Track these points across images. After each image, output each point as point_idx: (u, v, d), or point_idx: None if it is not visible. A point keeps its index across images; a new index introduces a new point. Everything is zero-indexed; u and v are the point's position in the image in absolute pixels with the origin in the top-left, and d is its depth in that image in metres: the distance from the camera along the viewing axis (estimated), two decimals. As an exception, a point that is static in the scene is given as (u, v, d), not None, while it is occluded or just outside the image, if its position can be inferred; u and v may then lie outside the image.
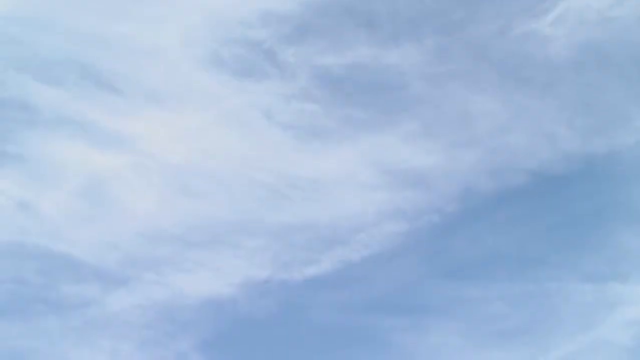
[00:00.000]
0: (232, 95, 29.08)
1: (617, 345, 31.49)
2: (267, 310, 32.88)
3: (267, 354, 31.51)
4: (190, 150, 28.71)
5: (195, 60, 28.87)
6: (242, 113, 28.95)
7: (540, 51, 29.27)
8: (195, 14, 28.82)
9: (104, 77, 28.68)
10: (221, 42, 28.94)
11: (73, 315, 32.59)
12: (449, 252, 31.53)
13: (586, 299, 30.92)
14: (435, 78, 29.32)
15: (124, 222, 29.05)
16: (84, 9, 28.59)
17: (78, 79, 28.49)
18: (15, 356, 30.33)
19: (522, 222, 29.95)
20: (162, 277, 31.02)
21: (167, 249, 31.66)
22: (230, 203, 29.69)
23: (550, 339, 30.82)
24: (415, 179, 29.17)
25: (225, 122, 28.97)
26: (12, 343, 31.76)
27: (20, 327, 32.13)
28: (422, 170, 29.47)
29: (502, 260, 31.26)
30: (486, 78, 29.53)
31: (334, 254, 31.02)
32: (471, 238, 30.25)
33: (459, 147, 29.66)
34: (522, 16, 29.28)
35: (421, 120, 29.77)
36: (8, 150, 27.27)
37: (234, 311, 32.59)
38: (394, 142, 29.53)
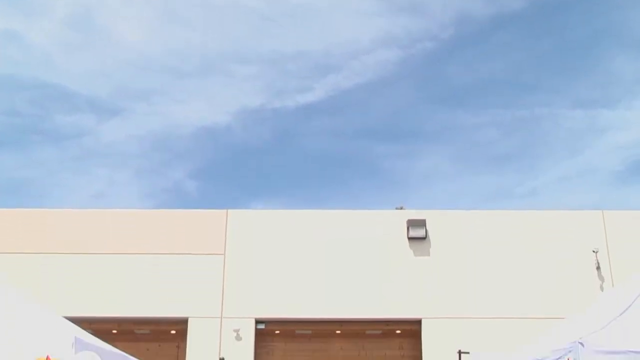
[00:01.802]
0: None
1: (605, 170, 32.20)
2: (261, 137, 33.29)
3: (260, 181, 32.30)
4: (178, -23, 27.81)
5: None
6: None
7: None
8: None
9: None
10: None
11: (69, 145, 33.03)
12: (442, 79, 31.48)
13: (576, 124, 31.27)
14: None
15: (114, 52, 28.68)
16: None
17: None
18: (14, 187, 30.98)
19: (516, 49, 29.69)
20: (156, 107, 31.13)
21: (159, 79, 31.54)
22: (221, 31, 29.21)
23: (540, 164, 31.53)
24: (411, 5, 28.55)
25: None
26: (11, 174, 32.33)
27: (18, 159, 32.61)
28: (417, -5, 28.76)
29: (495, 87, 31.32)
30: None
31: (327, 82, 30.94)
32: (465, 65, 30.07)
33: (454, -28, 28.83)
34: None
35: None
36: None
37: (228, 139, 33.04)
38: (389, -34, 28.61)
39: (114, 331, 15.13)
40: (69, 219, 15.86)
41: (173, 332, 15.36)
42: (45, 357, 5.48)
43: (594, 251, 15.05)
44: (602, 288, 14.87)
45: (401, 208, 16.36)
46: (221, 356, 11.89)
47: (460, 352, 9.27)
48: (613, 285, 14.53)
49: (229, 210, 15.94)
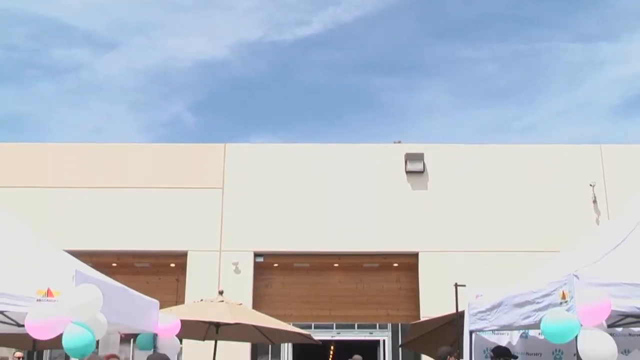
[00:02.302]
0: None
1: (604, 104, 32.00)
2: (259, 71, 32.95)
3: (258, 115, 32.11)
4: None
5: None
6: None
7: None
8: None
9: None
10: None
11: (65, 79, 32.69)
12: (442, 12, 31.05)
13: (575, 58, 30.98)
14: None
15: (110, -16, 28.20)
16: None
17: None
18: (13, 121, 30.80)
19: (517, -19, 29.23)
20: (153, 41, 30.73)
21: (157, 12, 31.07)
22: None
23: (539, 98, 31.33)
24: None
25: None
26: (9, 109, 32.09)
27: (15, 93, 32.32)
28: None
29: (495, 21, 30.89)
30: None
31: (326, 15, 30.47)
32: (465, -3, 29.65)
33: None
34: None
35: None
36: None
37: (226, 73, 32.69)
38: None
39: (114, 264, 15.28)
40: (68, 153, 15.85)
41: (172, 265, 15.51)
42: (47, 290, 5.54)
43: (591, 185, 15.11)
44: (598, 222, 14.98)
45: (399, 142, 16.34)
46: (220, 289, 12.01)
47: (456, 285, 9.35)
48: (609, 218, 14.63)
49: (227, 144, 15.92)
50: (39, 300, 5.53)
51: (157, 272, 15.62)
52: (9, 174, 15.34)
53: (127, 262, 15.50)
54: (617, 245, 6.75)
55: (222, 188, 15.45)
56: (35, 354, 12.69)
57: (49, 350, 14.88)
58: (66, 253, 6.99)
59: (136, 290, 7.40)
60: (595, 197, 15.09)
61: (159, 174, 15.50)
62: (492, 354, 8.35)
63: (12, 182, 15.17)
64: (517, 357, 8.53)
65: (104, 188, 15.32)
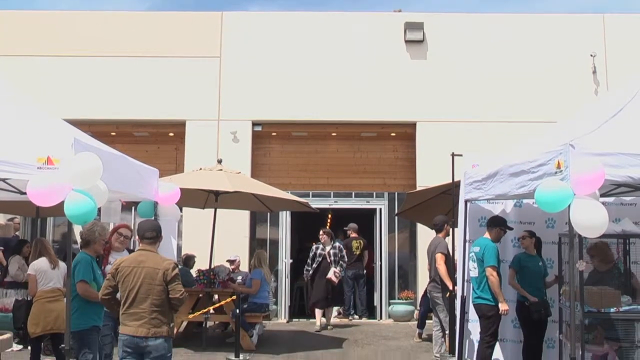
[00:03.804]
0: None
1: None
2: None
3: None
4: None
5: None
6: None
7: None
8: None
9: None
10: None
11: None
12: None
13: None
14: None
15: None
16: None
17: None
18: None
19: None
20: None
21: None
22: None
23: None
24: None
25: None
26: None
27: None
28: None
29: None
30: None
31: None
32: None
33: None
34: None
35: None
36: None
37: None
38: None
39: (113, 133, 15.33)
40: (65, 20, 15.55)
41: (171, 134, 15.56)
42: (46, 158, 5.57)
43: (591, 55, 14.93)
44: (596, 92, 14.91)
45: (399, 10, 16.01)
46: (219, 158, 12.10)
47: (453, 155, 9.40)
48: (608, 90, 14.56)
49: (225, 13, 15.59)
50: (39, 167, 5.58)
51: (156, 141, 15.71)
52: (5, 43, 15.10)
53: (126, 131, 15.54)
54: (614, 115, 6.75)
55: (220, 57, 15.27)
56: (39, 221, 13.03)
57: (52, 218, 15.20)
58: (65, 122, 6.99)
59: (135, 159, 7.46)
60: (595, 67, 14.96)
61: (156, 43, 15.27)
62: (488, 223, 8.50)
63: (8, 51, 14.96)
64: (512, 229, 8.72)
65: (102, 57, 15.13)
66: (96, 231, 6.95)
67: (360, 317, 14.92)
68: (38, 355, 7.99)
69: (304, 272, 13.69)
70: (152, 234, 6.04)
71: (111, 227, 8.23)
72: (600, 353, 7.11)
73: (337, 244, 13.64)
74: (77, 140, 5.81)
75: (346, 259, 13.68)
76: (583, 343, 6.52)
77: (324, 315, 13.57)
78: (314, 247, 13.54)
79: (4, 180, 7.58)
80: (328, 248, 13.34)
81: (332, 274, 13.18)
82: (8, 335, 8.31)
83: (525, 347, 8.58)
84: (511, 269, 8.44)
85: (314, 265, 13.36)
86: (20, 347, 10.23)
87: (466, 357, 8.84)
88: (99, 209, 6.53)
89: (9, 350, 9.06)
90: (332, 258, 13.28)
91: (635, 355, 6.99)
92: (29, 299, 9.37)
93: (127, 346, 5.79)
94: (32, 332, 7.69)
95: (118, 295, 5.95)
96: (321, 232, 13.55)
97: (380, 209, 15.29)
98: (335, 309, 14.27)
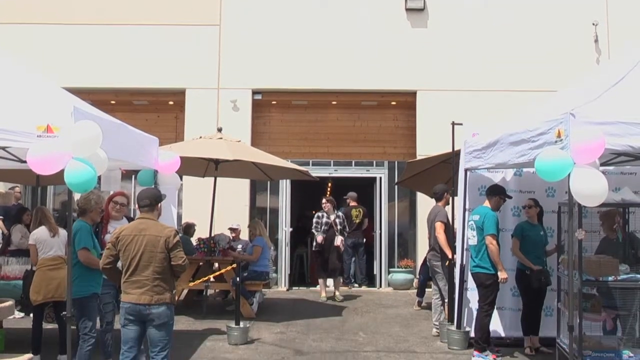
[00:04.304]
0: None
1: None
2: None
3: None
4: None
5: None
6: None
7: None
8: None
9: None
10: None
11: None
12: None
13: None
14: None
15: None
16: None
17: None
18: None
19: None
20: None
21: None
22: None
23: None
24: None
25: None
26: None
27: None
28: None
29: None
30: None
31: None
32: None
33: None
34: None
35: None
36: None
37: None
38: None
39: (112, 102, 15.28)
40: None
41: (171, 103, 15.51)
42: (46, 126, 5.56)
43: (593, 24, 14.83)
44: (598, 61, 14.84)
45: (400, -22, 15.86)
46: (219, 126, 12.07)
47: (453, 124, 9.39)
48: (609, 59, 14.48)
49: (223, -21, 15.47)
50: (39, 136, 5.56)
51: (156, 110, 15.66)
52: (4, 11, 14.99)
53: (125, 99, 15.49)
54: (615, 84, 6.72)
55: (219, 25, 15.17)
56: (39, 189, 13.04)
57: (52, 186, 15.21)
58: (64, 90, 6.96)
59: (135, 127, 7.44)
60: (597, 36, 14.86)
61: (156, 10, 15.15)
62: (488, 191, 8.51)
63: (7, 19, 14.86)
64: (511, 197, 8.74)
65: (101, 25, 15.02)
66: (92, 200, 6.97)
67: (360, 286, 15.00)
68: (40, 323, 8.04)
69: (316, 236, 13.20)
70: (145, 202, 6.04)
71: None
72: (597, 321, 7.17)
73: (339, 212, 13.64)
74: (77, 109, 5.80)
75: (347, 228, 13.70)
76: (581, 311, 6.58)
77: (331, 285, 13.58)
78: (317, 215, 13.44)
79: (4, 148, 7.57)
80: (333, 216, 13.33)
81: (340, 241, 13.18)
82: (10, 302, 8.37)
83: (524, 315, 8.65)
84: (515, 238, 8.45)
85: (323, 235, 13.16)
86: (22, 314, 10.30)
87: (465, 325, 8.92)
88: (99, 177, 6.53)
89: (11, 317, 9.14)
90: (338, 227, 13.26)
91: (632, 323, 7.05)
92: (31, 268, 9.42)
93: (129, 314, 5.82)
94: (34, 299, 7.72)
95: (119, 265, 5.97)
96: (324, 201, 13.48)
97: (380, 178, 15.30)
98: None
